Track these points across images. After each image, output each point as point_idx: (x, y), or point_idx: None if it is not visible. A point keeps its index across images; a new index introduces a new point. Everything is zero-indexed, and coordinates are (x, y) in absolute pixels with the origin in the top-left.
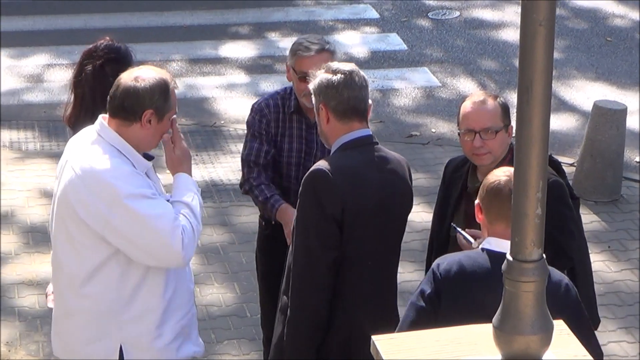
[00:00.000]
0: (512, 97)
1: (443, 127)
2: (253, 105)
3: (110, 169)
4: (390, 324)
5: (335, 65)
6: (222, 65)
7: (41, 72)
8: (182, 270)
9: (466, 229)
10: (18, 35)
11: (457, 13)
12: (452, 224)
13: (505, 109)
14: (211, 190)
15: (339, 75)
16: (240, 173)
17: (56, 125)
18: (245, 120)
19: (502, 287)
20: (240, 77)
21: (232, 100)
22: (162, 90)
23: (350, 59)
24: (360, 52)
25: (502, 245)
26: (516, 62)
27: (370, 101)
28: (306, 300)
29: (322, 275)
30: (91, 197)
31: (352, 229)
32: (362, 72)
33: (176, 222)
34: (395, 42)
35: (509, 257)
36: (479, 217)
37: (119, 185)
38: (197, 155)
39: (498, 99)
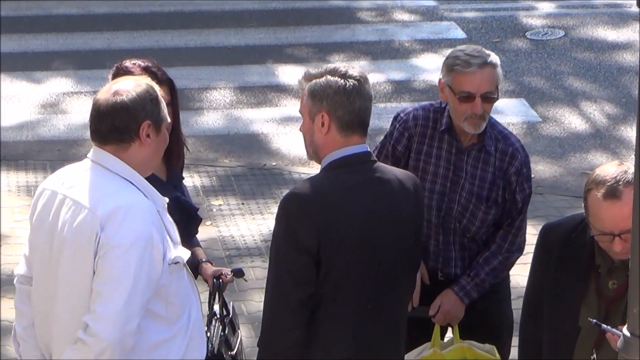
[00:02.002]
0: (629, 135)
1: (544, 171)
2: (398, 114)
3: (137, 204)
4: None
5: (343, 67)
6: (275, 95)
7: (55, 101)
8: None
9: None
10: (28, 57)
11: (562, 33)
12: (592, 320)
13: None
14: (260, 248)
15: (351, 81)
16: None
17: None
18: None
19: None
20: (298, 109)
21: (287, 137)
22: (151, 97)
23: (430, 87)
24: None
25: None
26: (635, 92)
27: None
28: (275, 340)
29: (292, 312)
30: (115, 238)
31: (331, 263)
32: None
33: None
34: None
35: (625, 332)
36: None
37: (143, 228)
38: (243, 203)
39: (631, 179)
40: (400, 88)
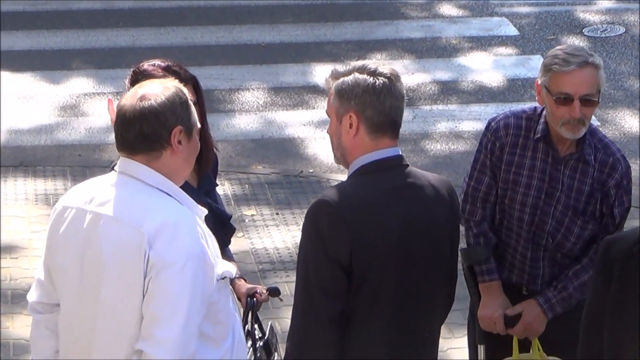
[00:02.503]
0: None
1: None
2: (489, 123)
3: (184, 218)
4: None
5: (372, 64)
6: (312, 96)
7: (76, 103)
8: None
9: None
10: (46, 56)
11: (622, 29)
12: None
13: None
14: (296, 262)
15: (381, 79)
16: None
17: (95, 173)
18: None
19: None
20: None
21: (325, 142)
22: (182, 100)
23: (480, 88)
24: (493, 79)
25: None
26: None
27: None
28: (304, 357)
29: (323, 329)
30: (168, 256)
31: (364, 276)
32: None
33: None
34: (539, 67)
35: None
36: None
37: (194, 243)
38: (277, 213)
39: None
40: (447, 89)
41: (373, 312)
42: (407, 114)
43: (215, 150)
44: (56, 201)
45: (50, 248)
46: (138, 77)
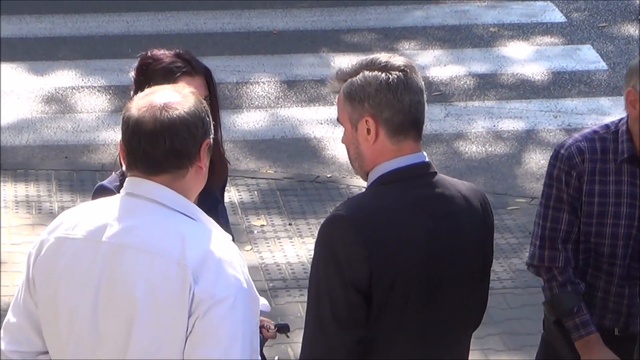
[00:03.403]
0: None
1: None
2: (557, 151)
3: (227, 247)
4: None
5: (381, 57)
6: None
7: (62, 97)
8: None
9: None
10: (29, 44)
11: None
12: None
13: None
14: None
15: (395, 74)
16: None
17: (83, 177)
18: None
19: None
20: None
21: None
22: (206, 110)
23: (521, 82)
24: (537, 72)
25: None
26: None
27: None
28: None
29: None
30: (217, 292)
31: (386, 300)
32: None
33: None
34: (589, 58)
35: None
36: None
37: (241, 275)
38: (290, 224)
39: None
40: (485, 83)
41: (396, 341)
42: (439, 112)
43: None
44: (39, 209)
45: (44, 286)
46: (148, 63)
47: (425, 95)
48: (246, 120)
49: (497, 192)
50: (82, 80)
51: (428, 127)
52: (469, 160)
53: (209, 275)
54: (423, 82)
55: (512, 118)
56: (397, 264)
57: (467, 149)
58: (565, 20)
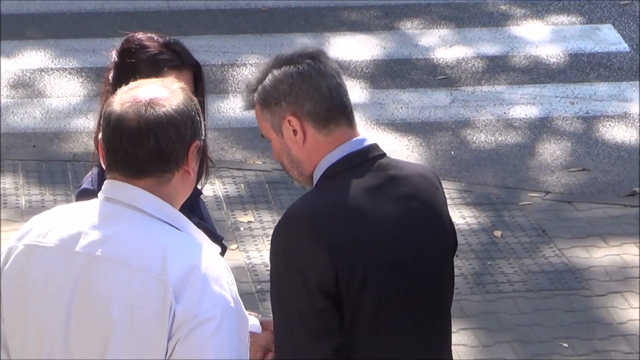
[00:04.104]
0: None
1: None
2: None
3: (213, 262)
4: None
5: (286, 52)
6: None
7: (30, 81)
8: None
9: None
10: None
11: None
12: None
13: None
14: None
15: (304, 63)
16: None
17: (53, 168)
18: None
19: None
20: (357, 94)
21: None
22: (196, 107)
23: (535, 65)
24: (552, 54)
25: None
26: None
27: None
28: None
29: None
30: (201, 311)
31: (359, 302)
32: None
33: None
34: (609, 38)
35: None
36: None
37: (228, 293)
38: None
39: None
40: (495, 66)
41: (375, 344)
42: (444, 97)
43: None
44: (5, 204)
45: (10, 300)
46: (131, 48)
47: (343, 78)
48: (232, 106)
49: (507, 186)
50: (52, 61)
51: (432, 114)
52: (476, 150)
53: (193, 293)
54: (338, 66)
55: (525, 104)
56: (364, 259)
57: (474, 139)
58: None
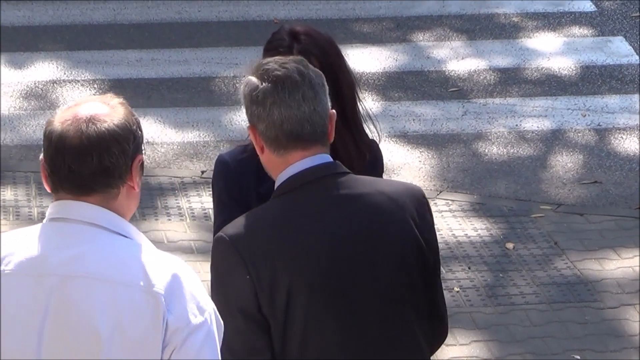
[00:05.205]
0: None
1: None
2: None
3: (185, 267)
4: None
5: (271, 62)
6: None
7: (42, 92)
8: None
9: None
10: (7, 34)
11: None
12: None
13: None
14: None
15: (264, 85)
16: None
17: None
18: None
19: None
20: (369, 106)
21: None
22: (137, 121)
23: (547, 77)
24: (564, 66)
25: None
26: None
27: (331, 111)
28: None
29: None
30: (191, 317)
31: (285, 324)
32: (310, 68)
33: None
34: (621, 51)
35: None
36: None
37: (207, 297)
38: None
39: None
40: (507, 78)
41: None
42: (456, 109)
43: None
44: (17, 216)
45: None
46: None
47: (312, 104)
48: (244, 118)
49: (519, 198)
50: (64, 73)
51: (444, 126)
52: (488, 163)
53: (181, 301)
54: (315, 89)
55: (537, 117)
56: (288, 279)
57: (486, 151)
58: (596, 9)
